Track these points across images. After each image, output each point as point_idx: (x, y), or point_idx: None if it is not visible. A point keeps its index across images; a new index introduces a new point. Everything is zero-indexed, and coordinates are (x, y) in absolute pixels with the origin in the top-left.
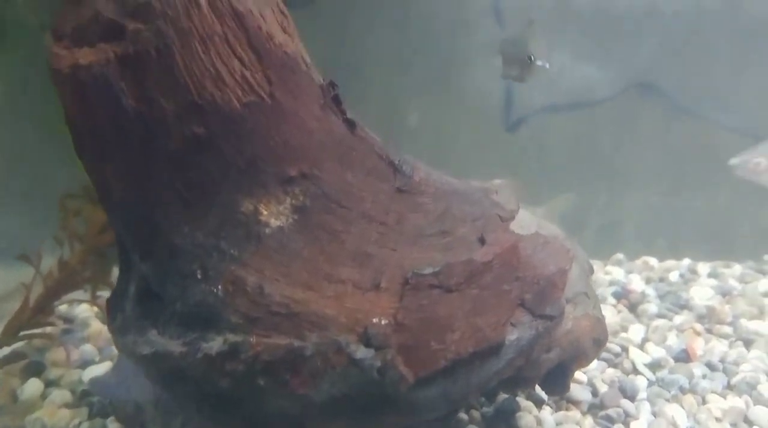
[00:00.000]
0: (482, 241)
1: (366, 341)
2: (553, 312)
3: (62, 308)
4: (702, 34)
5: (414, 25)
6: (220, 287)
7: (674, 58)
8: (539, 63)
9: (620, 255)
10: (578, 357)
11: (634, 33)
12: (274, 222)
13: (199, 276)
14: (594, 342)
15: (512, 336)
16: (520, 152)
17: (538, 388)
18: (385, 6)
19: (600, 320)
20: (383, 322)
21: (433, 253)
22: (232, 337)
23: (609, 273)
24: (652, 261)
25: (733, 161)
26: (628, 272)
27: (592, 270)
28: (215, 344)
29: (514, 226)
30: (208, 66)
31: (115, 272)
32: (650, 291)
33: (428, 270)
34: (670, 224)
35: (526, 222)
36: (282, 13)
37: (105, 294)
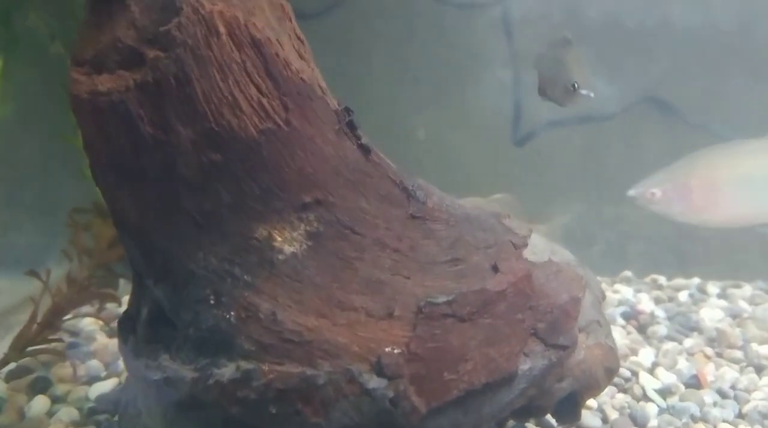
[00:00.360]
0: (495, 269)
1: (378, 370)
2: (566, 342)
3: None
4: (713, 51)
5: (420, 37)
6: (232, 313)
7: (685, 74)
8: (584, 92)
9: (628, 273)
10: (590, 386)
11: (644, 48)
12: (288, 249)
13: (212, 302)
14: (606, 371)
15: (525, 366)
16: (527, 167)
17: (548, 416)
18: (390, 17)
19: (612, 349)
20: (396, 351)
21: (446, 281)
22: (244, 364)
23: (617, 292)
24: (661, 279)
25: (631, 193)
26: (637, 291)
27: (604, 297)
28: (227, 371)
29: (527, 252)
30: (225, 94)
31: (123, 286)
32: (660, 312)
33: (441, 299)
34: (678, 240)
35: (539, 247)
36: (299, 38)
37: (111, 307)
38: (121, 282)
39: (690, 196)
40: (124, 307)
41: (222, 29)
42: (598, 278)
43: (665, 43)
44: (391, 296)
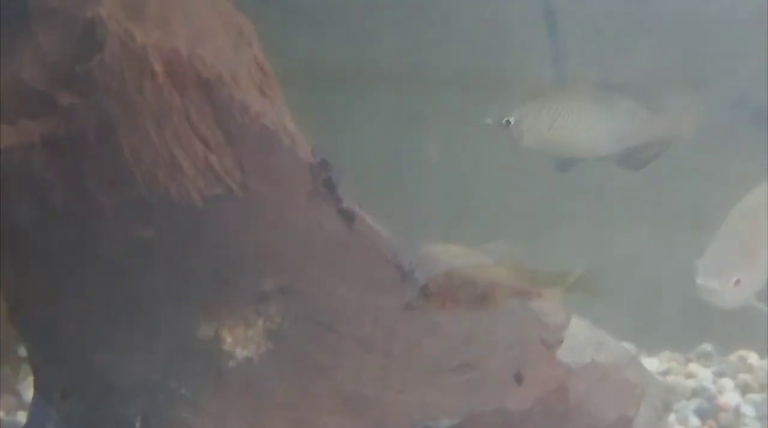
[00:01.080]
0: (519, 379)
1: None
2: None
3: None
4: None
5: (434, 20)
6: None
7: None
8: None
9: (708, 347)
10: None
11: (731, 41)
12: (241, 353)
13: (138, 425)
14: None
15: None
16: (573, 195)
17: None
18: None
19: None
20: None
21: (453, 397)
22: None
23: (692, 376)
24: (752, 357)
25: (709, 283)
26: (718, 375)
27: (667, 408)
28: None
29: (562, 350)
30: (161, 151)
31: (26, 373)
32: (748, 408)
33: (445, 424)
34: None
35: (578, 340)
36: (261, 69)
37: (9, 400)
38: (24, 368)
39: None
40: (28, 399)
41: (158, 67)
42: (666, 353)
43: (759, 34)
44: (379, 418)
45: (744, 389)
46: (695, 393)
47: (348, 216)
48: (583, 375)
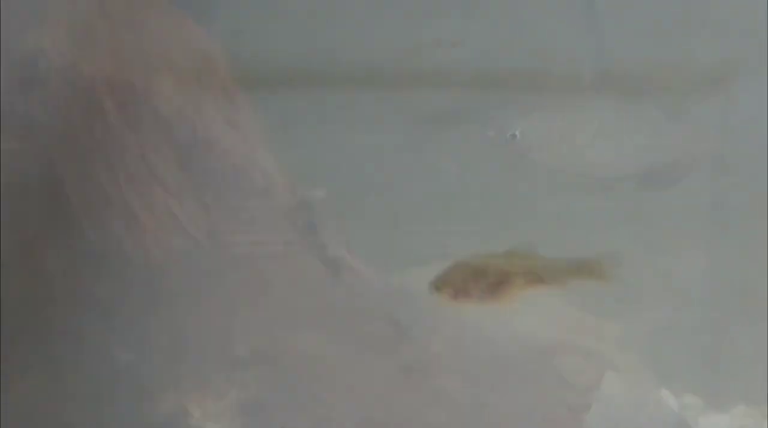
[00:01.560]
0: None
1: None
2: None
3: None
4: None
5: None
6: None
7: None
8: None
9: None
10: None
11: None
12: None
13: None
14: None
15: None
16: (612, 212)
17: None
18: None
19: None
20: None
21: None
22: None
23: None
24: None
25: None
26: None
27: None
28: None
29: (593, 413)
30: (114, 199)
31: None
32: None
33: None
34: None
35: (616, 399)
36: (230, 99)
37: None
38: None
39: None
40: None
41: (109, 104)
42: (740, 407)
43: None
44: None
45: None
46: None
47: (334, 266)
48: None
